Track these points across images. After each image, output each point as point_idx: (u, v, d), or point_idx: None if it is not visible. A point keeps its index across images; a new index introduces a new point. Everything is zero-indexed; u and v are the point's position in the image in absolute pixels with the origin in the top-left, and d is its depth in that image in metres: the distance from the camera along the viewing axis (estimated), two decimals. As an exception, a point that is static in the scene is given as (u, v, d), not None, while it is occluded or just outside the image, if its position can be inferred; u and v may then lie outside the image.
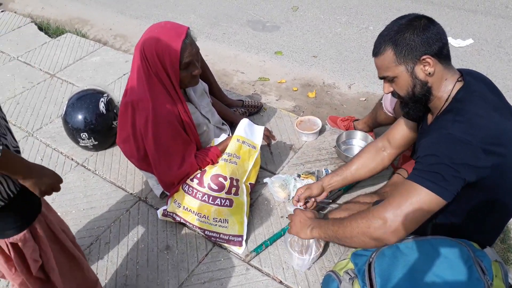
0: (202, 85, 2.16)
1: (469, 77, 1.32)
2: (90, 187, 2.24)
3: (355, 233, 1.26)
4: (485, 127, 1.20)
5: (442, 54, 1.26)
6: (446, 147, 1.19)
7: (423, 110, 1.40)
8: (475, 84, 1.31)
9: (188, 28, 1.80)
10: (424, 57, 1.25)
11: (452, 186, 1.17)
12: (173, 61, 1.74)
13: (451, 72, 1.31)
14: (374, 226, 1.19)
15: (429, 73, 1.27)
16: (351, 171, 1.74)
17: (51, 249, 1.28)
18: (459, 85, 1.30)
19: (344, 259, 1.54)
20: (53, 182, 1.21)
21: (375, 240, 1.21)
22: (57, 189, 1.24)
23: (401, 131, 1.65)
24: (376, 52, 1.33)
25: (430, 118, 1.43)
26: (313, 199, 1.75)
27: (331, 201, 2.00)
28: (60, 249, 1.34)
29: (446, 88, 1.30)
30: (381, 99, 2.19)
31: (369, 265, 1.37)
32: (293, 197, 1.83)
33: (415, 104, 1.36)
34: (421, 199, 1.17)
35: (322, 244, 1.76)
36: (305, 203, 1.78)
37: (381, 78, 1.37)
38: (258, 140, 2.00)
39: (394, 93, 1.38)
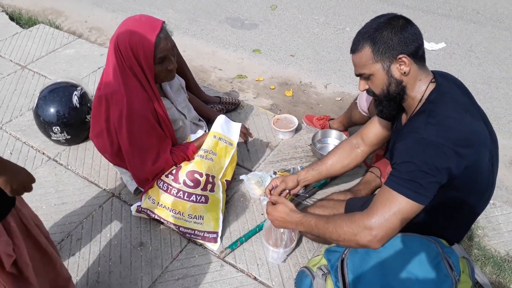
0: (179, 81, 2.14)
1: (441, 78, 1.35)
2: (62, 182, 2.19)
3: (341, 238, 1.28)
4: (457, 129, 1.24)
5: (418, 55, 1.29)
6: (421, 152, 1.22)
7: (396, 109, 1.43)
8: (447, 85, 1.34)
9: (164, 22, 1.77)
10: (400, 56, 1.27)
11: (430, 192, 1.21)
12: (147, 55, 1.71)
13: (425, 73, 1.34)
14: (360, 235, 1.22)
15: (405, 73, 1.29)
16: (326, 166, 1.75)
17: (24, 244, 1.25)
18: (432, 86, 1.33)
19: (318, 255, 1.56)
20: (26, 181, 1.18)
21: (361, 246, 1.25)
22: (29, 189, 1.21)
23: (375, 129, 1.67)
24: (354, 49, 1.34)
25: (404, 118, 1.46)
26: (287, 191, 1.75)
27: (307, 196, 2.02)
28: (33, 244, 1.31)
29: (420, 89, 1.33)
30: (356, 99, 2.23)
31: (342, 261, 1.40)
32: (266, 187, 1.79)
33: (389, 102, 1.38)
34: (402, 207, 1.20)
35: (296, 238, 1.78)
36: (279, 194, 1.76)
37: (357, 75, 1.38)
38: (235, 137, 2.00)
39: (369, 91, 1.40)
